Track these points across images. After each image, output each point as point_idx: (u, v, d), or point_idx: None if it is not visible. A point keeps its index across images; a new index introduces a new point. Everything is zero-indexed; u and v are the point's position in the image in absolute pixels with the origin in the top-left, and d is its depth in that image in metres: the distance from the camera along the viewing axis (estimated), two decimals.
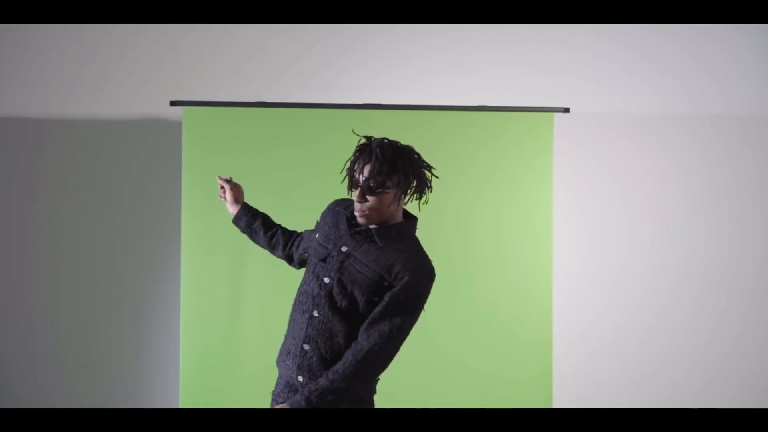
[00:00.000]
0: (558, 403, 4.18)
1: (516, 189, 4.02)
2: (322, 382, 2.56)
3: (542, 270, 4.00)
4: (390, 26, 4.30)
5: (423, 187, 2.66)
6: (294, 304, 2.76)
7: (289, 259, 3.05)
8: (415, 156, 2.64)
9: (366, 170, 2.56)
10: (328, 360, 2.63)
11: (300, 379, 2.66)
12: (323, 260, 2.69)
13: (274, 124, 3.94)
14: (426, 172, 2.66)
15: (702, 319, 4.42)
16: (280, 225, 3.11)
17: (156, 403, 4.23)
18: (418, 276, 2.59)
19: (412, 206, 2.74)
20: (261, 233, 3.07)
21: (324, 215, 2.81)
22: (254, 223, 3.07)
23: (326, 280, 2.65)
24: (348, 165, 2.65)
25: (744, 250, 4.44)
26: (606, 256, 4.39)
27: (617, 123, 4.40)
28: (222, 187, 3.17)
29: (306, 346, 2.65)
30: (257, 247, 3.88)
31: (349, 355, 2.56)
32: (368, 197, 2.58)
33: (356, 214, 2.62)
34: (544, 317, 3.98)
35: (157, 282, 4.23)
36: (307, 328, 2.66)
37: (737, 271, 4.44)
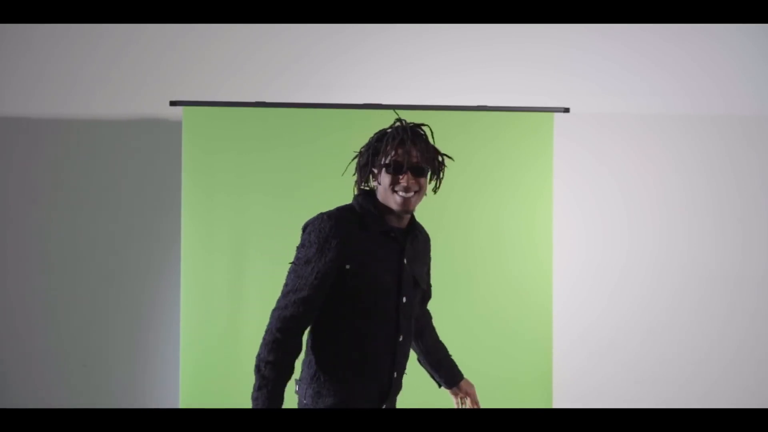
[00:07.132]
0: (558, 403, 4.17)
1: (516, 189, 4.01)
2: None
3: (542, 270, 3.99)
4: (390, 26, 4.30)
5: (438, 171, 2.58)
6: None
7: None
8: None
9: (414, 151, 2.44)
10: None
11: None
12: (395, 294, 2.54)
13: (274, 124, 3.94)
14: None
15: (702, 319, 4.42)
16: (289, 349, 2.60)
17: (156, 403, 4.22)
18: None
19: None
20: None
21: (347, 248, 2.41)
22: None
23: (404, 299, 2.57)
24: (370, 151, 2.47)
25: (745, 251, 4.44)
26: (606, 256, 4.38)
27: (617, 123, 4.39)
28: None
29: (395, 374, 2.59)
30: (257, 247, 3.88)
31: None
32: (417, 180, 2.46)
33: (400, 203, 2.44)
34: (544, 317, 3.98)
35: (157, 282, 4.23)
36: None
37: (738, 271, 4.44)
